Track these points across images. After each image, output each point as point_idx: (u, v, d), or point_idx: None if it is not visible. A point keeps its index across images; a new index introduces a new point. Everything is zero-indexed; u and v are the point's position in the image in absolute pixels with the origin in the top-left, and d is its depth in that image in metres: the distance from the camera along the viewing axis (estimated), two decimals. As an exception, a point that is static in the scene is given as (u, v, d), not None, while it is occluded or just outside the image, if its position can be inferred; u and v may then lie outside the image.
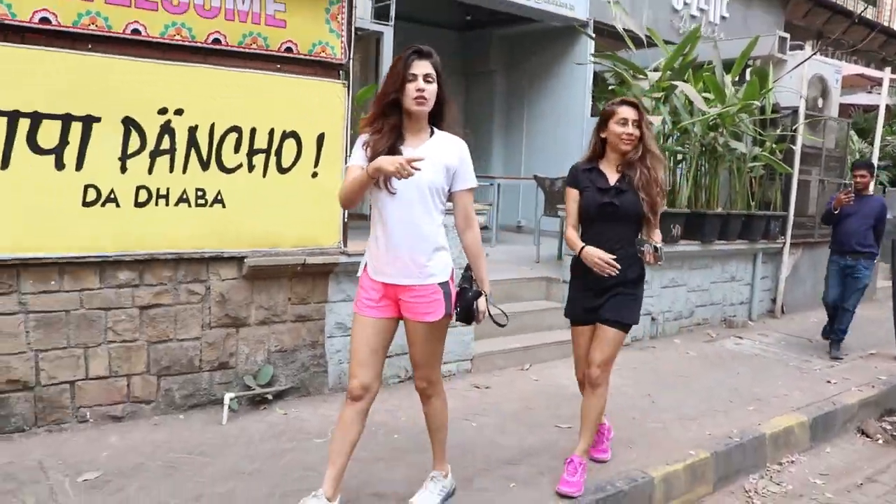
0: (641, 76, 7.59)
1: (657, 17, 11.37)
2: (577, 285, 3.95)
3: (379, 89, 3.16)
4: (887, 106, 11.31)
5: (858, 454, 5.12)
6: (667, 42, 8.90)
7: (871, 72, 12.95)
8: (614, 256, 3.69)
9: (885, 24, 17.55)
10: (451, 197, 3.22)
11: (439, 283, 3.15)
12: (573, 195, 3.89)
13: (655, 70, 7.76)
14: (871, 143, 10.45)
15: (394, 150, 3.03)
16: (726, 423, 4.93)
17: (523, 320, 6.46)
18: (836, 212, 7.06)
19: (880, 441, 5.37)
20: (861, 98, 13.33)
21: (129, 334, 4.33)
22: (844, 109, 12.93)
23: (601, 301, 3.79)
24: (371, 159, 3.00)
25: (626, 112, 3.76)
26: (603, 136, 3.85)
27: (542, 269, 7.62)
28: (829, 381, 6.10)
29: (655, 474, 4.07)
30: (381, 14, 5.71)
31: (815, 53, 8.64)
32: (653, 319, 7.45)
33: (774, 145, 8.40)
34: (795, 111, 8.72)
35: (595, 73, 10.59)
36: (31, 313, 4.04)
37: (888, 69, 10.82)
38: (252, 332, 4.76)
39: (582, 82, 10.68)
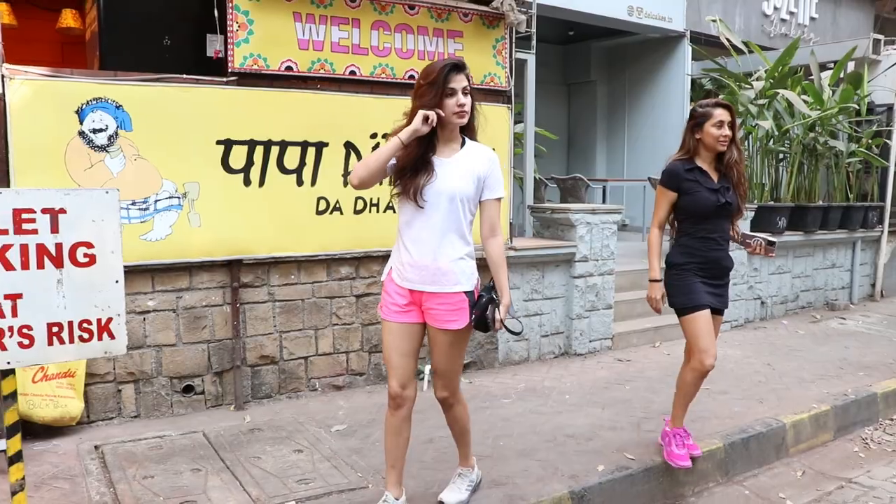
0: (747, 85, 8.34)
1: (748, 22, 12.02)
2: (692, 277, 4.02)
3: (415, 103, 3.14)
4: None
5: (965, 413, 5.82)
6: (762, 47, 9.62)
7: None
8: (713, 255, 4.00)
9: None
10: (481, 205, 3.25)
11: (465, 292, 3.18)
12: (669, 197, 4.05)
13: (758, 79, 8.49)
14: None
15: (425, 161, 3.10)
16: (840, 385, 5.69)
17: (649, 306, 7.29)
18: None
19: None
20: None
21: (348, 318, 5.34)
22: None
23: (717, 290, 4.04)
24: (399, 172, 3.12)
25: (722, 115, 3.92)
26: (698, 136, 3.99)
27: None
28: (933, 354, 6.79)
29: (787, 421, 4.88)
30: (523, 42, 6.62)
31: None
32: (762, 303, 8.19)
33: (870, 141, 9.03)
34: (890, 108, 9.33)
35: (692, 80, 11.33)
36: (277, 301, 5.08)
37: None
38: (437, 315, 5.72)
39: (680, 89, 11.41)
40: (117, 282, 2.53)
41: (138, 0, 4.91)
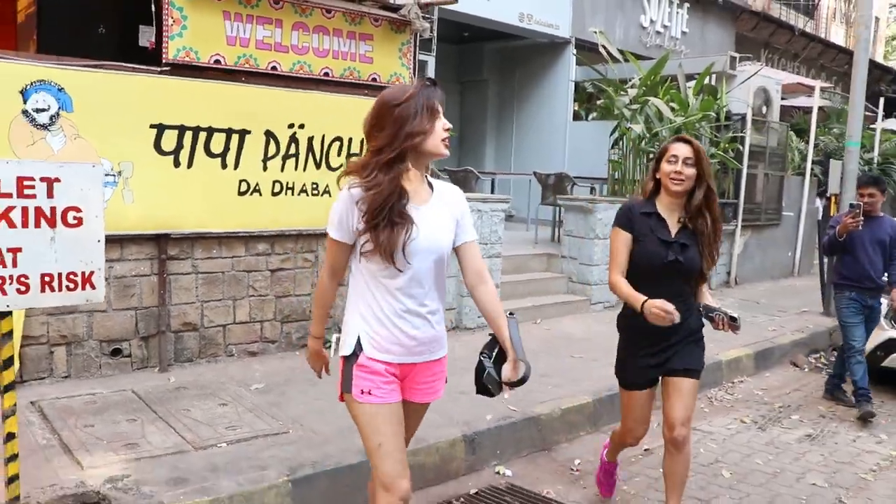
0: (623, 92, 9.29)
1: (628, 33, 13.12)
2: (630, 345, 3.61)
3: (387, 131, 2.50)
4: (821, 108, 13.22)
5: (789, 377, 6.90)
6: (638, 55, 10.64)
7: (807, 80, 14.86)
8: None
9: (822, 35, 19.56)
10: (457, 251, 2.75)
11: (445, 355, 2.82)
12: (624, 239, 3.47)
13: (633, 86, 9.46)
14: (807, 143, 12.31)
15: (401, 214, 2.51)
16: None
17: (531, 287, 8.15)
18: (841, 238, 5.74)
19: (805, 370, 7.16)
20: (801, 101, 15.24)
21: (264, 290, 5.88)
22: (788, 111, 14.85)
23: (668, 354, 3.48)
24: (368, 220, 2.48)
25: (678, 149, 3.40)
26: (658, 176, 3.48)
27: (542, 248, 9.33)
28: (770, 329, 7.88)
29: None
30: (425, 45, 7.28)
31: (757, 72, 10.41)
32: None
33: (727, 145, 10.17)
34: (744, 117, 10.51)
35: (576, 84, 12.29)
36: (200, 273, 5.56)
37: (818, 81, 12.71)
38: (344, 289, 6.31)
39: (564, 91, 12.36)
40: (99, 241, 3.03)
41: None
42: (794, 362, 7.28)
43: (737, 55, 10.74)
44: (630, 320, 3.52)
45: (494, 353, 2.70)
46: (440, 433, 4.46)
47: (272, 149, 5.70)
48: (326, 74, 5.95)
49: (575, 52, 12.10)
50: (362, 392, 2.64)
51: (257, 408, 4.71)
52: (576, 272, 8.63)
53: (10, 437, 2.99)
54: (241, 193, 5.60)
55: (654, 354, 3.49)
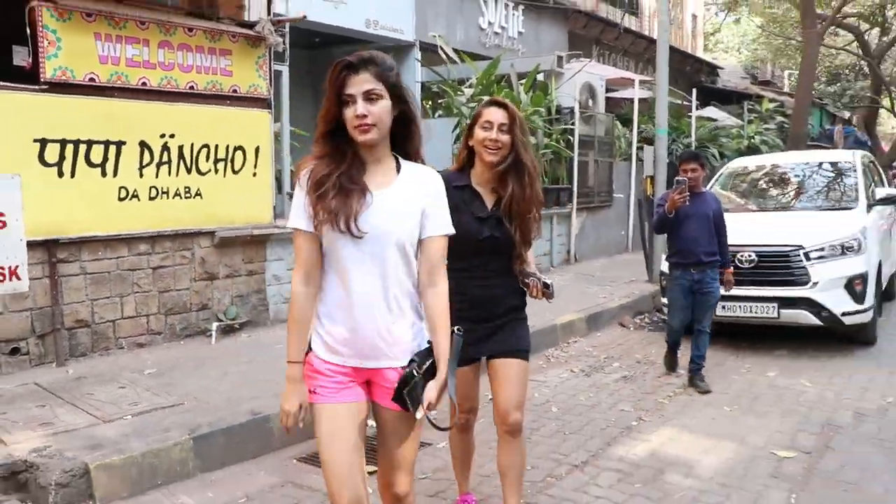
0: (460, 92, 10.28)
1: (468, 34, 14.14)
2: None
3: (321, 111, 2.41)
4: (643, 98, 14.75)
5: (616, 335, 8.07)
6: (477, 55, 11.68)
7: (628, 74, 16.42)
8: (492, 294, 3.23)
9: (646, 32, 21.42)
10: (420, 243, 2.47)
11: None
12: None
13: (470, 86, 10.47)
14: (632, 131, 13.79)
15: (353, 179, 2.35)
16: (532, 320, 7.68)
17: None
18: (671, 215, 5.86)
19: (631, 329, 8.37)
20: (626, 93, 16.83)
21: (147, 287, 6.43)
22: (617, 103, 16.40)
23: (488, 332, 3.27)
24: (316, 187, 2.33)
25: (493, 114, 3.15)
26: (470, 143, 3.22)
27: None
28: (601, 297, 9.08)
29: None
30: (279, 56, 7.97)
31: (581, 69, 11.69)
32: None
33: (559, 136, 11.37)
34: (572, 110, 11.76)
35: (423, 84, 13.21)
36: (88, 274, 6.07)
37: (638, 75, 14.22)
38: (221, 283, 6.96)
39: (411, 90, 13.23)
40: (21, 240, 3.64)
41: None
42: (621, 323, 8.46)
43: (564, 54, 11.98)
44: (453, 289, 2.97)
45: (426, 366, 2.42)
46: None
47: (147, 157, 6.27)
48: (192, 88, 6.55)
49: (419, 54, 13.00)
50: (310, 391, 2.44)
51: (153, 388, 5.32)
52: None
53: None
54: (120, 199, 6.14)
55: (476, 333, 3.14)
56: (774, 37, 29.91)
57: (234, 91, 6.88)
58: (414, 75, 12.98)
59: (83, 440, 4.35)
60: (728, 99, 23.36)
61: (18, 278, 3.62)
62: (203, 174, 6.64)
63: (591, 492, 4.10)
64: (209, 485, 4.26)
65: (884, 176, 9.70)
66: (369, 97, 2.31)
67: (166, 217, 6.44)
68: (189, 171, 6.56)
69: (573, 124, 11.67)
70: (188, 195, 6.57)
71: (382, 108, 2.33)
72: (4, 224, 3.55)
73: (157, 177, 6.34)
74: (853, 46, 26.31)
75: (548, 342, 7.39)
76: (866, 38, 24.80)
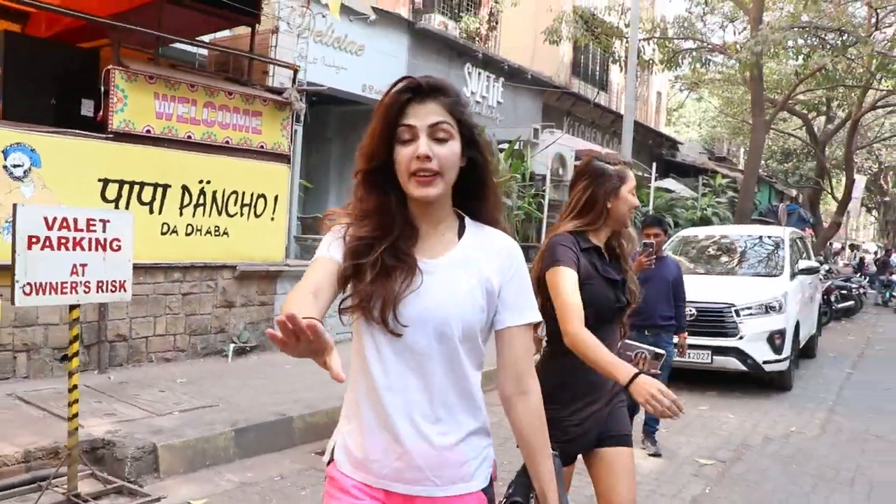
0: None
1: (450, 103, 15.51)
2: (561, 403, 2.71)
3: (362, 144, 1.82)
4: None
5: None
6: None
7: (596, 147, 17.93)
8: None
9: (613, 107, 23.09)
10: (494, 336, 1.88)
11: (483, 490, 1.86)
12: (573, 278, 2.67)
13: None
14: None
15: (398, 254, 1.76)
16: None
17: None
18: (637, 278, 5.71)
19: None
20: (592, 163, 18.30)
21: (177, 309, 7.46)
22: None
23: (598, 420, 2.77)
24: (351, 255, 1.77)
25: (634, 180, 2.92)
26: (609, 205, 2.82)
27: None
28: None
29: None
30: (296, 118, 9.16)
31: (554, 142, 13.08)
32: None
33: (531, 199, 12.67)
34: (545, 177, 13.09)
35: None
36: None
37: (604, 148, 15.65)
38: (237, 310, 8.00)
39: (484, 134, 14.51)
40: (129, 260, 4.68)
41: (35, 66, 6.78)
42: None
43: (539, 126, 13.37)
44: (570, 373, 2.72)
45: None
46: (329, 401, 6.29)
47: (186, 199, 7.35)
48: (227, 142, 7.69)
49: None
50: None
51: (188, 393, 6.34)
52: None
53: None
54: (162, 233, 7.20)
55: (583, 423, 2.73)
56: (730, 117, 31.96)
57: (262, 147, 8.03)
58: (402, 136, 14.28)
59: (145, 427, 5.35)
60: (686, 172, 25.06)
61: (125, 290, 4.66)
62: (231, 216, 7.74)
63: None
64: (247, 468, 5.28)
65: (811, 250, 11.10)
66: (436, 135, 1.70)
67: (198, 251, 7.50)
68: (220, 213, 7.66)
69: (544, 190, 12.98)
70: (217, 233, 7.66)
71: (451, 153, 1.72)
72: (120, 248, 4.60)
73: (193, 216, 7.43)
74: (802, 131, 28.39)
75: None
76: (813, 124, 26.85)
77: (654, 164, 18.55)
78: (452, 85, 1.80)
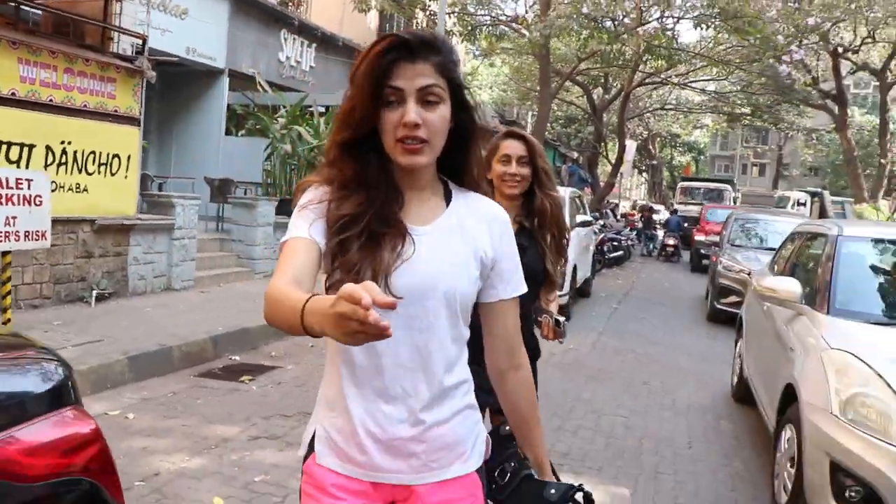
0: (276, 119, 12.56)
1: (269, 66, 16.34)
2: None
3: (341, 104, 1.68)
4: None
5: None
6: (279, 86, 13.97)
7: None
8: None
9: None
10: (479, 308, 1.77)
11: (477, 470, 1.75)
12: None
13: (282, 116, 12.77)
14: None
15: (388, 219, 1.61)
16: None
17: (212, 262, 11.07)
18: None
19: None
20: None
21: (42, 260, 8.12)
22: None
23: None
24: (335, 233, 1.58)
25: (511, 147, 2.96)
26: (489, 176, 2.93)
27: (213, 234, 12.22)
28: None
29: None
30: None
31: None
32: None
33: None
34: (361, 140, 14.38)
35: (230, 106, 15.23)
36: (-1, 247, 7.69)
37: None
38: (96, 261, 8.74)
39: (219, 111, 15.21)
40: (48, 213, 5.57)
41: None
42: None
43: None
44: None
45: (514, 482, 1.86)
46: (192, 337, 7.36)
47: (50, 158, 8.01)
48: (85, 106, 8.36)
49: (228, 79, 15.02)
50: None
51: (70, 332, 7.17)
52: (243, 251, 11.70)
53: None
54: (29, 190, 7.83)
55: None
56: (520, 84, 34.65)
57: (116, 111, 8.75)
58: (222, 97, 15.01)
59: (47, 357, 6.22)
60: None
61: (45, 239, 5.54)
62: (90, 174, 8.45)
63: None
64: (143, 388, 6.31)
65: (586, 207, 13.28)
66: (426, 98, 1.56)
67: (61, 206, 8.15)
68: (80, 171, 8.35)
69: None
70: (78, 190, 8.35)
71: (441, 118, 1.59)
72: (41, 203, 5.47)
73: (56, 174, 8.09)
74: (583, 100, 31.53)
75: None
76: (593, 94, 29.98)
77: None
78: (444, 39, 1.64)
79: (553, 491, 1.78)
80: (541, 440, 1.88)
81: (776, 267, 6.92)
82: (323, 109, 14.13)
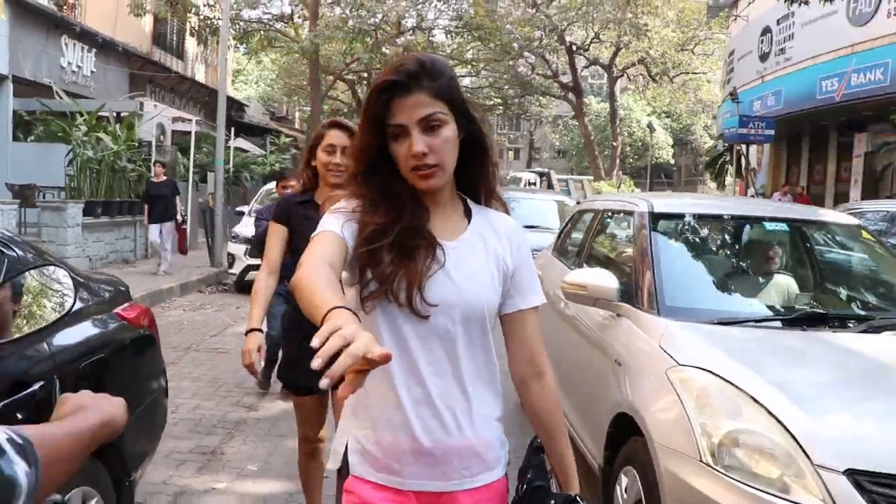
0: (77, 127, 13.65)
1: (52, 71, 17.01)
2: (295, 340, 3.07)
3: (353, 147, 1.82)
4: (188, 131, 19.17)
5: (201, 296, 12.44)
6: (69, 93, 15.01)
7: (186, 115, 20.65)
8: None
9: (190, 74, 25.76)
10: (500, 319, 1.83)
11: (506, 475, 1.84)
12: (279, 232, 3.13)
13: (83, 123, 13.88)
14: (188, 158, 18.10)
15: (419, 232, 1.68)
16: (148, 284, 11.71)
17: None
18: None
19: (207, 293, 12.79)
20: (184, 127, 20.93)
21: None
22: (182, 135, 20.44)
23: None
24: (366, 241, 1.64)
25: (335, 137, 3.05)
26: (313, 164, 3.14)
27: (28, 238, 13.19)
28: (185, 277, 13.31)
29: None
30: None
31: (158, 114, 15.75)
32: (90, 259, 13.62)
33: (142, 162, 15.23)
34: (150, 143, 15.74)
35: (14, 111, 15.87)
36: None
37: (193, 116, 18.62)
38: None
39: (4, 116, 15.77)
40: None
41: None
42: (199, 290, 12.80)
43: (144, 100, 15.87)
44: (295, 311, 2.96)
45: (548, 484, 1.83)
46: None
47: None
48: None
49: (13, 85, 15.68)
50: None
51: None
52: (56, 251, 12.75)
53: None
54: None
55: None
56: (287, 81, 36.40)
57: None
58: (7, 104, 15.67)
59: None
60: (253, 132, 28.78)
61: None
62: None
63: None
64: None
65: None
66: (429, 125, 1.61)
67: None
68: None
69: (150, 155, 15.64)
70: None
71: (447, 140, 1.63)
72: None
73: None
74: (348, 94, 34.02)
75: (160, 299, 11.51)
76: (357, 90, 32.49)
77: (232, 128, 21.85)
78: (433, 62, 1.66)
79: (553, 502, 1.77)
80: (568, 451, 1.85)
81: (562, 255, 5.75)
82: (115, 115, 15.36)
